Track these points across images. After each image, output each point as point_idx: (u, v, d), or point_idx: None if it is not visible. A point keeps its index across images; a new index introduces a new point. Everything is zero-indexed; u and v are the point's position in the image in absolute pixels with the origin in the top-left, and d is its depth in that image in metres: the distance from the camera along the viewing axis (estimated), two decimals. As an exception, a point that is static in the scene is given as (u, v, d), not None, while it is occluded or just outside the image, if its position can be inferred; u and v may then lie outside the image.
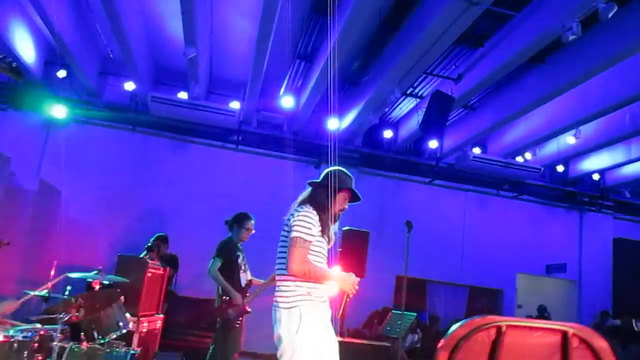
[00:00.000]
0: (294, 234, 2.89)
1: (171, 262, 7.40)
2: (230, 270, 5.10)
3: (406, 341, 8.27)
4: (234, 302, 4.98)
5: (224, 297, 5.03)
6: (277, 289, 2.96)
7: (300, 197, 3.13)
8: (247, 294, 5.21)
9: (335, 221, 3.12)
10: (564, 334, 1.79)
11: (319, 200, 3.04)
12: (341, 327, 6.66)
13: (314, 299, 2.88)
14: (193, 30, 6.70)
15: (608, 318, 9.68)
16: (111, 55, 8.33)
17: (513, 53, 6.50)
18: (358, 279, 3.00)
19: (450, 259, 10.36)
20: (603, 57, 6.28)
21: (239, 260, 5.25)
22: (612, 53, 6.15)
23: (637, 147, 9.29)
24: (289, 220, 3.00)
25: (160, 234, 7.36)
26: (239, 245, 5.33)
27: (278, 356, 2.82)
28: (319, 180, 3.15)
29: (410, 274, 9.25)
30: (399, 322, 6.57)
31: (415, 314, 6.95)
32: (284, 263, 2.92)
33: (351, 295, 2.98)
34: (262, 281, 5.22)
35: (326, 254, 3.08)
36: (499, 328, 1.78)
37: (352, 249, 6.58)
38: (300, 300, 2.84)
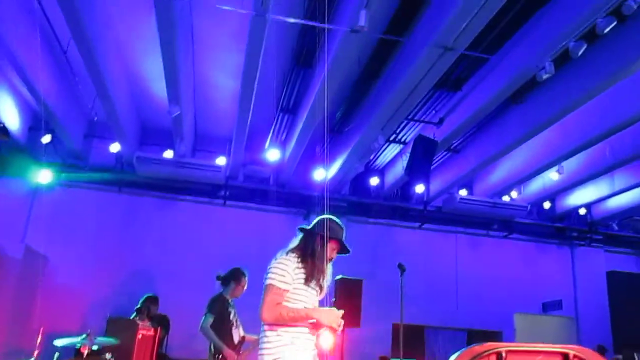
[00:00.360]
0: (267, 282, 2.88)
1: (162, 322, 7.22)
2: (222, 326, 5.01)
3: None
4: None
5: (216, 356, 4.90)
6: (260, 340, 2.89)
7: (290, 245, 3.10)
8: (241, 352, 5.08)
9: (323, 270, 3.06)
10: (565, 356, 1.76)
11: (306, 248, 3.02)
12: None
13: (298, 348, 2.81)
14: (176, 88, 6.80)
15: (605, 352, 9.52)
16: (96, 119, 8.39)
17: (491, 94, 6.66)
18: (341, 311, 2.93)
19: (446, 303, 10.24)
20: (578, 93, 6.45)
21: (231, 317, 5.17)
22: (586, 88, 6.32)
23: (621, 180, 9.41)
24: (268, 267, 2.97)
25: (150, 294, 7.21)
26: (230, 301, 5.25)
27: None
28: (310, 227, 3.13)
29: (406, 320, 9.13)
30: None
31: (413, 360, 6.79)
32: None
33: (338, 331, 2.90)
34: (255, 337, 5.11)
35: (314, 303, 3.01)
36: (499, 354, 1.75)
37: (346, 298, 6.50)
38: (283, 350, 2.77)
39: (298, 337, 2.83)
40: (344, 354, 6.37)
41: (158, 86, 7.57)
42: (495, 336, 10.54)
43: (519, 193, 10.30)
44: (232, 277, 5.31)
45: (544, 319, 11.02)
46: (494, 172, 9.97)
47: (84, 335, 3.94)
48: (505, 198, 10.21)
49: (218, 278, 5.36)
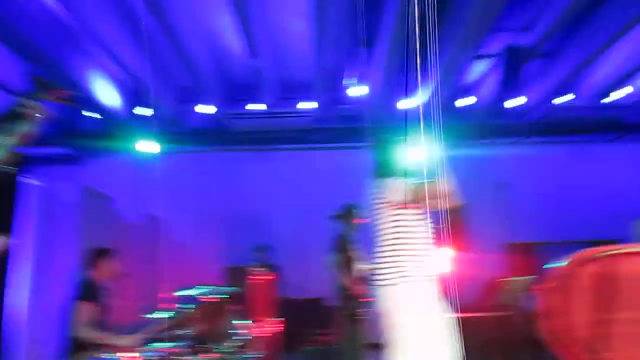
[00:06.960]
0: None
1: (274, 269, 7.61)
2: (346, 264, 5.16)
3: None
4: (355, 294, 5.03)
5: (345, 293, 5.09)
6: (378, 268, 2.97)
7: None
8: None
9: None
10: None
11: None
12: (455, 302, 6.54)
13: (411, 277, 2.86)
14: (253, 41, 6.88)
15: None
16: (186, 85, 8.74)
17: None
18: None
19: (557, 217, 9.82)
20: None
21: (351, 252, 5.30)
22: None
23: None
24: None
25: (259, 244, 7.58)
26: (349, 236, 5.39)
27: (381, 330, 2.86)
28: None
29: (516, 238, 8.94)
30: (515, 289, 6.36)
31: (530, 277, 6.67)
32: (382, 243, 2.94)
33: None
34: (366, 267, 5.24)
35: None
36: (612, 257, 1.68)
37: (451, 224, 6.44)
38: (398, 277, 2.84)
39: (415, 266, 2.86)
40: (455, 278, 6.39)
41: (235, 41, 7.65)
42: (615, 244, 10.03)
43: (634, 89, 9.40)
44: (349, 213, 5.43)
45: (668, 221, 10.29)
46: (596, 72, 9.18)
47: (210, 288, 4.27)
48: (612, 97, 9.40)
49: (334, 217, 5.47)
